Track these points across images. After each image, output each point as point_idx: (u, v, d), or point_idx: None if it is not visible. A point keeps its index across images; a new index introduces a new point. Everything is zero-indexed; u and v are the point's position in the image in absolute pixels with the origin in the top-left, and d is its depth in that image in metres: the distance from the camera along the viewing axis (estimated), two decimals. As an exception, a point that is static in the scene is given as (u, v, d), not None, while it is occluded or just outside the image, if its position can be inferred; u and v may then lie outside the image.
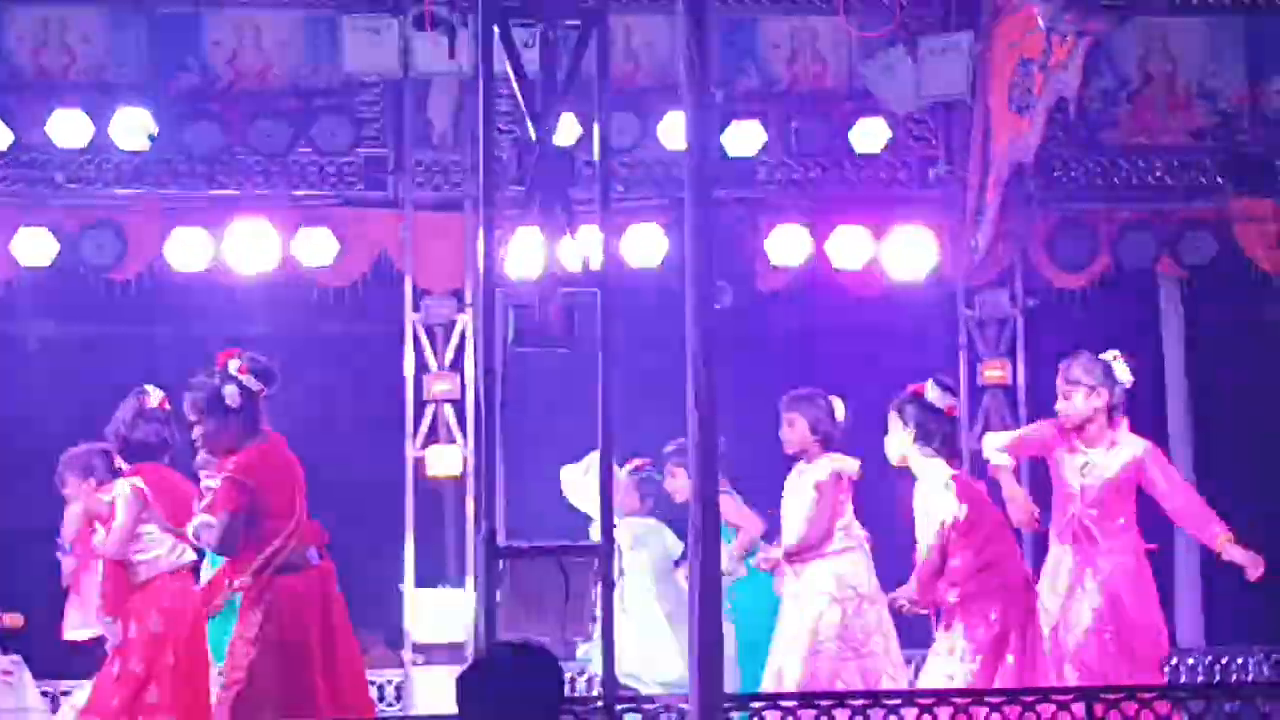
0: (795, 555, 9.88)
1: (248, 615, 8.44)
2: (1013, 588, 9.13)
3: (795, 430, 10.04)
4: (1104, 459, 9.52)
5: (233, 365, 8.65)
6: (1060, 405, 9.68)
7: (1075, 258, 12.67)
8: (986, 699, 7.71)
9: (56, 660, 11.74)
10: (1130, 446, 9.56)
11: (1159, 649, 9.58)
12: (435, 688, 11.46)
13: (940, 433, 9.30)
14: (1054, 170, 12.62)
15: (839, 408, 10.07)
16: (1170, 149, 12.72)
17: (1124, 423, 9.61)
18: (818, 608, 9.79)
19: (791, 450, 10.09)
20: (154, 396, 9.36)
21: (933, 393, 9.28)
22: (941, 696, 7.92)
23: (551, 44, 7.97)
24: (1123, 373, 9.70)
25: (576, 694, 10.48)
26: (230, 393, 8.57)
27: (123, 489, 9.23)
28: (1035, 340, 12.54)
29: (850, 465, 9.94)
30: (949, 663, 9.05)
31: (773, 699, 7.92)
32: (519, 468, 11.66)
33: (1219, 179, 12.69)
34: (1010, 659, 8.96)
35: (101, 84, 12.04)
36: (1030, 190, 12.41)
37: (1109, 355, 9.87)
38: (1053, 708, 7.72)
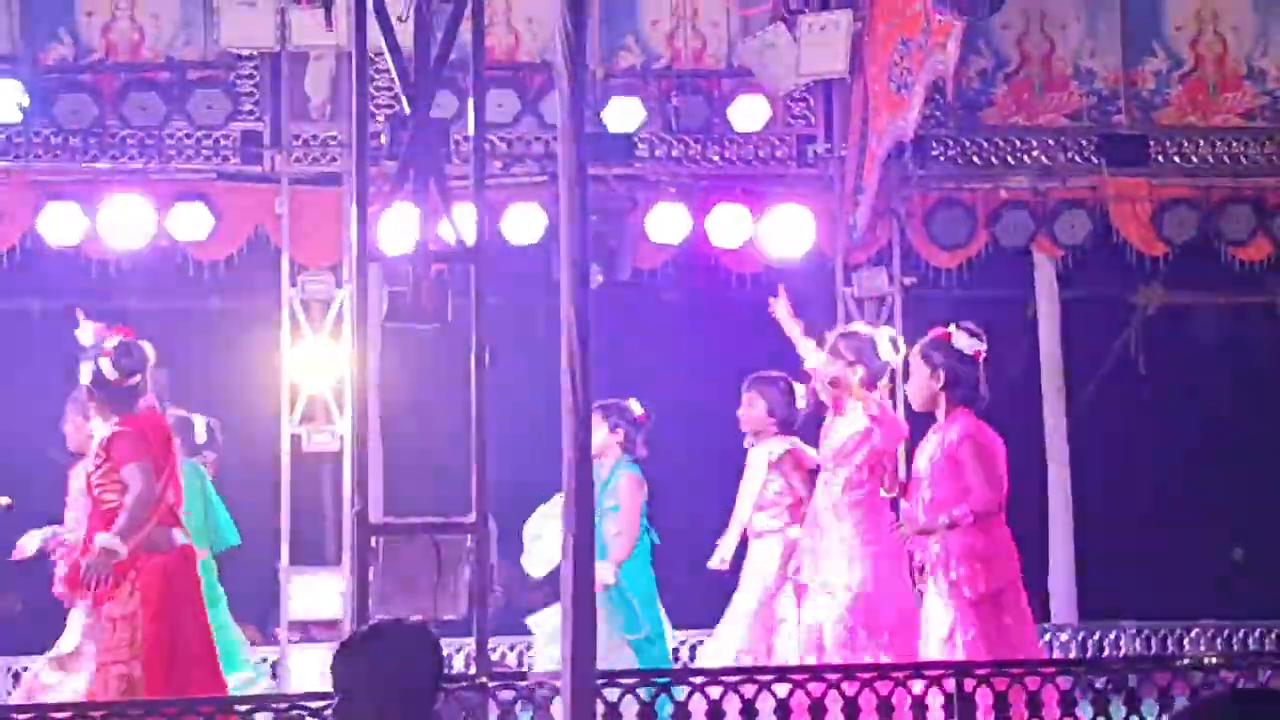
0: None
1: (118, 595, 8.37)
2: (1004, 548, 8.95)
3: (754, 410, 10.12)
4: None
5: (109, 343, 8.60)
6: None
7: (953, 236, 12.74)
8: (857, 675, 7.74)
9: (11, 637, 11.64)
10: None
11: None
12: (311, 665, 11.41)
13: (969, 379, 9.01)
14: (932, 149, 12.69)
15: (799, 392, 10.12)
16: (1047, 129, 12.82)
17: (873, 395, 9.49)
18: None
19: (747, 429, 10.16)
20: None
21: (961, 339, 9.13)
22: (814, 673, 7.95)
23: (426, 18, 7.93)
24: (888, 353, 9.70)
25: (453, 671, 10.47)
26: (83, 370, 8.56)
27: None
28: (913, 318, 12.59)
29: (807, 451, 10.02)
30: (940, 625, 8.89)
31: (644, 675, 7.93)
32: (396, 444, 11.64)
33: (1094, 159, 12.80)
34: (1008, 621, 8.82)
35: (-29, 55, 11.88)
36: (909, 169, 12.47)
37: (884, 331, 9.94)
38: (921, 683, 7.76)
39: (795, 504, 9.98)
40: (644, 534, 10.22)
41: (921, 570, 9.02)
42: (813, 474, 9.94)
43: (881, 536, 9.32)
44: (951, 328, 9.20)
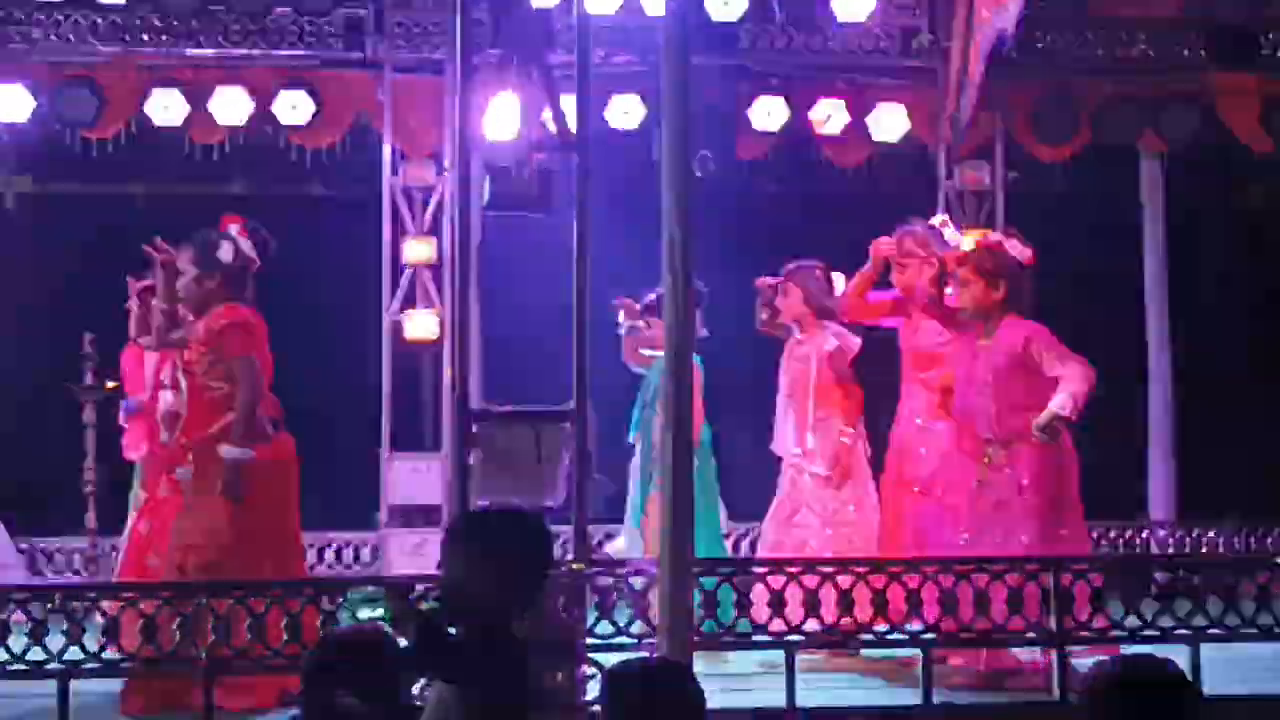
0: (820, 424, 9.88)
1: (205, 484, 8.46)
2: (1069, 455, 8.80)
3: (790, 300, 10.03)
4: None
5: (233, 228, 8.68)
6: (895, 278, 9.65)
7: (1057, 131, 12.61)
8: (954, 568, 7.77)
9: (31, 517, 11.83)
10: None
11: None
12: (408, 550, 11.53)
13: (1026, 288, 8.93)
14: (1038, 43, 12.54)
15: (838, 281, 10.04)
16: (1154, 22, 12.63)
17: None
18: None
19: (787, 320, 10.07)
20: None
21: (1014, 246, 8.96)
22: (911, 565, 7.98)
23: (530, -96, 7.91)
24: (953, 236, 9.71)
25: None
26: (224, 248, 8.60)
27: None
28: (1016, 212, 12.51)
29: (851, 338, 9.96)
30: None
31: (741, 564, 7.99)
32: (495, 331, 11.69)
33: (1203, 53, 12.62)
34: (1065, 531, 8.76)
35: (79, -62, 11.91)
36: (1013, 62, 12.32)
37: (937, 220, 9.92)
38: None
39: (844, 397, 9.92)
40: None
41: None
42: (855, 361, 9.93)
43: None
44: (998, 236, 9.12)
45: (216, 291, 8.63)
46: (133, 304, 9.77)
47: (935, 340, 9.46)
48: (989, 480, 8.63)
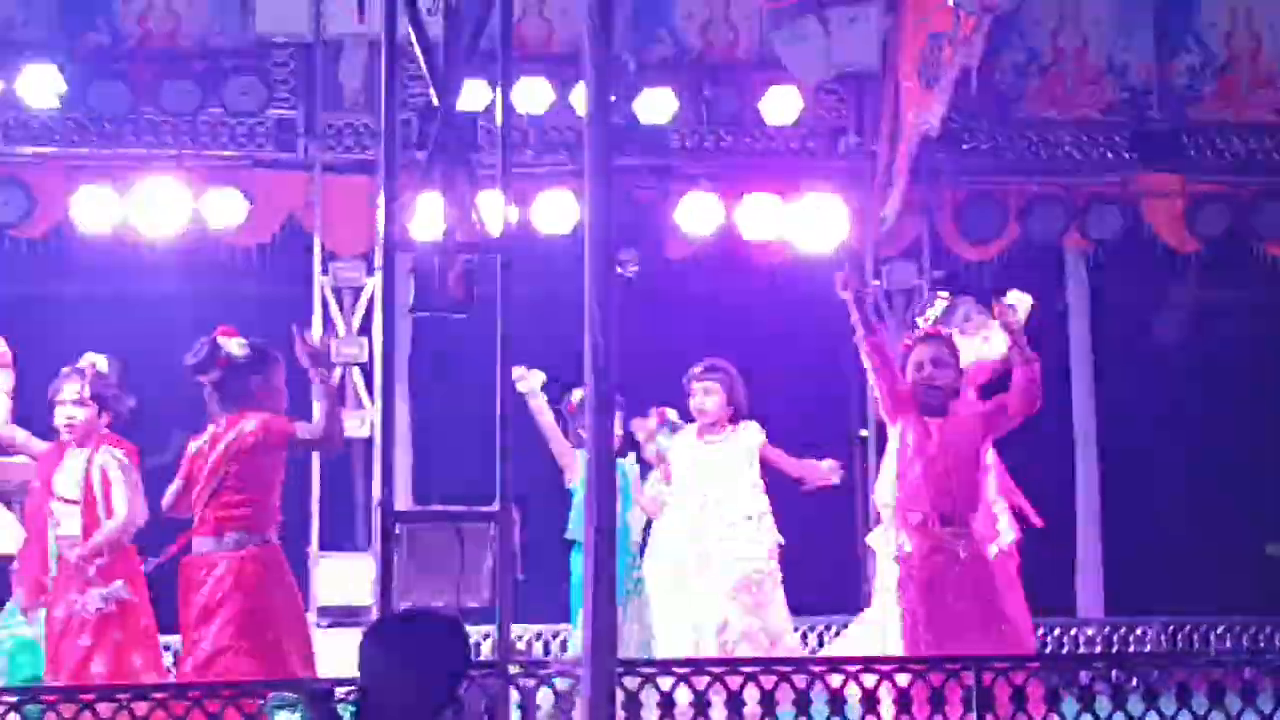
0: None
1: (215, 585, 8.40)
2: None
3: (713, 399, 10.09)
4: None
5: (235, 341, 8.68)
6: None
7: (983, 230, 12.76)
8: (874, 667, 7.77)
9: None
10: None
11: None
12: (339, 650, 11.45)
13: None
14: (963, 143, 12.70)
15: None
16: (1079, 123, 12.82)
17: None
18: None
19: (709, 420, 10.14)
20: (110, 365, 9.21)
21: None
22: (832, 664, 7.97)
23: (455, 8, 7.96)
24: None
25: (477, 658, 10.51)
26: (278, 368, 8.65)
27: (115, 457, 9.08)
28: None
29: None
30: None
31: (665, 665, 7.97)
32: (429, 430, 11.68)
33: (1127, 154, 12.80)
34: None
35: (9, 41, 11.94)
36: (939, 162, 12.47)
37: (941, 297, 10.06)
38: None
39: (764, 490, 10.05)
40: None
41: None
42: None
43: None
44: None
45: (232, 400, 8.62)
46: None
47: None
48: (968, 572, 8.63)
